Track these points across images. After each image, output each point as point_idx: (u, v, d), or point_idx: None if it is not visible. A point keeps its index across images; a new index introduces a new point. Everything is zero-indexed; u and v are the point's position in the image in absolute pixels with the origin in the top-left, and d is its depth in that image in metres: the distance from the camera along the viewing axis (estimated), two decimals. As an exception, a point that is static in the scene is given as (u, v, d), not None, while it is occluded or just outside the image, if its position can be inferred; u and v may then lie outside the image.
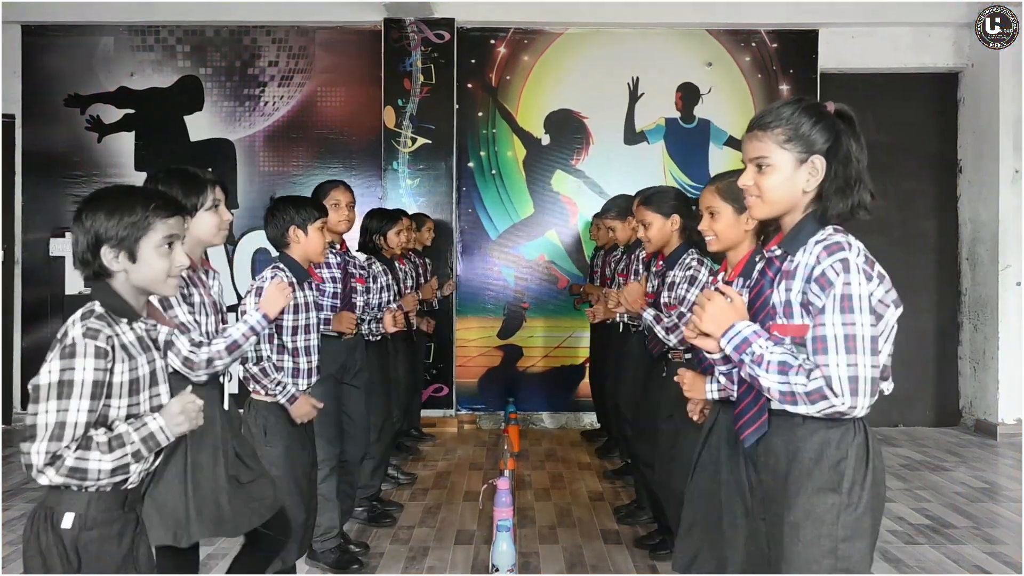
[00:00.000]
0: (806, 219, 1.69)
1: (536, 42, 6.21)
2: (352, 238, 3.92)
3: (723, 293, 1.72)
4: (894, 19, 6.03)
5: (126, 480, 1.63)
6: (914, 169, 6.24)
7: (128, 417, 1.63)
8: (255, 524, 2.28)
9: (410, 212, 5.30)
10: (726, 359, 1.70)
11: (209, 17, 6.11)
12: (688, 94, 6.21)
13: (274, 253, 2.94)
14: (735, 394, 1.86)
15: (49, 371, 1.54)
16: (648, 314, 3.07)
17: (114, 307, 1.65)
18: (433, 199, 6.07)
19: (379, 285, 4.10)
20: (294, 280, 2.80)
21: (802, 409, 1.60)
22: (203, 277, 2.35)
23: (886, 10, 5.95)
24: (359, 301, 3.68)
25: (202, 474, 2.17)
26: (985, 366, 5.96)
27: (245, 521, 2.25)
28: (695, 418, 2.41)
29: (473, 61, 6.19)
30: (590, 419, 6.05)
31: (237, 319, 2.37)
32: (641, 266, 3.75)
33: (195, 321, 2.23)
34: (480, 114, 6.22)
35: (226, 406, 2.28)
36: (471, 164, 6.22)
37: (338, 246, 3.53)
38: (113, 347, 1.59)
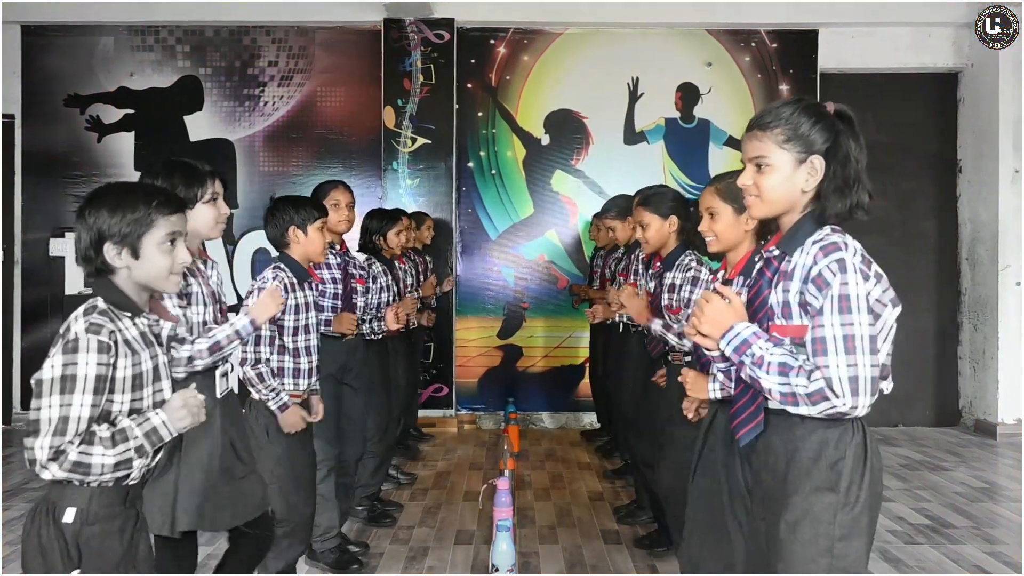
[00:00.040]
0: (804, 219, 1.69)
1: (536, 42, 6.21)
2: (352, 238, 3.92)
3: (721, 294, 1.72)
4: (894, 19, 6.03)
5: (128, 476, 1.63)
6: (914, 169, 6.24)
7: (131, 412, 1.63)
8: (238, 522, 2.29)
9: (409, 211, 5.30)
10: (724, 357, 1.71)
11: (209, 17, 6.11)
12: (688, 94, 6.21)
13: (274, 253, 2.94)
14: (733, 392, 1.86)
15: (52, 366, 1.54)
16: (657, 325, 3.00)
17: (116, 303, 1.65)
18: (433, 199, 6.07)
19: (379, 285, 4.10)
20: (294, 280, 2.81)
21: (803, 410, 1.60)
22: (201, 267, 2.35)
23: (886, 10, 5.95)
24: (359, 302, 3.68)
25: (196, 464, 2.18)
26: (985, 366, 5.96)
27: (229, 516, 2.26)
28: (689, 416, 2.42)
29: (473, 61, 6.19)
30: (590, 419, 6.05)
31: None
32: (641, 266, 3.74)
33: (185, 316, 2.23)
34: (480, 114, 6.21)
35: (218, 393, 2.27)
36: (471, 164, 6.22)
37: (338, 246, 3.53)
38: (116, 342, 1.59)
